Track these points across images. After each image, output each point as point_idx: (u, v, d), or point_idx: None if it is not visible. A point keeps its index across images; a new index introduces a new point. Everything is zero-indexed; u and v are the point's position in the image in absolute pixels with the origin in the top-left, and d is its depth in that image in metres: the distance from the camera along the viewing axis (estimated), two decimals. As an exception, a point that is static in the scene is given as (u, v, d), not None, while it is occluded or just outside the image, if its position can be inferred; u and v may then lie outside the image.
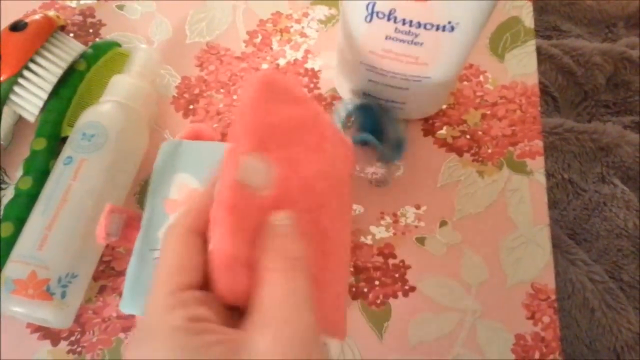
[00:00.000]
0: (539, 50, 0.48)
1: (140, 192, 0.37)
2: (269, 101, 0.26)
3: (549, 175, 0.38)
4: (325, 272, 0.26)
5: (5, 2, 0.44)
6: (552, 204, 0.38)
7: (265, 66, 0.42)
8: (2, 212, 0.34)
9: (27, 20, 0.37)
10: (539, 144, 0.39)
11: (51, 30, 0.37)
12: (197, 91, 0.41)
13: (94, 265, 0.33)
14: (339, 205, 0.28)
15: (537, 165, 0.38)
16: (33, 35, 0.36)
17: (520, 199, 0.37)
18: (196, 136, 0.35)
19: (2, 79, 0.36)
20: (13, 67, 0.36)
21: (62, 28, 0.39)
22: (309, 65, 0.42)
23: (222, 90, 0.41)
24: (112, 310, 0.33)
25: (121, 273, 0.34)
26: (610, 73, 0.71)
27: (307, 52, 0.43)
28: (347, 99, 0.36)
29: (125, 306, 0.27)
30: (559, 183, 0.61)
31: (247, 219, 0.21)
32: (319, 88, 0.41)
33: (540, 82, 0.46)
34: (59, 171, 0.32)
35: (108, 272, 0.34)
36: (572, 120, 0.66)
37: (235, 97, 0.41)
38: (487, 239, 0.36)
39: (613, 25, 0.78)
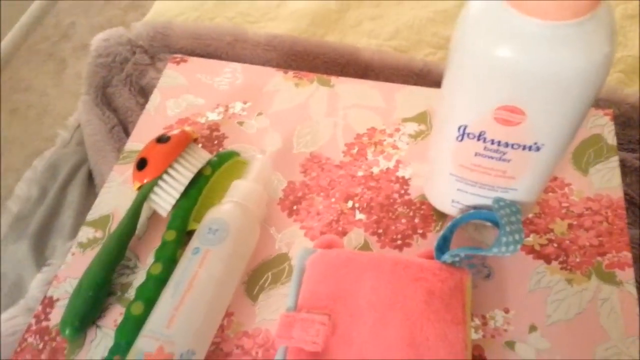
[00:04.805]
0: (623, 163, 0.50)
1: (248, 281, 0.41)
2: (321, 274, 0.38)
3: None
4: None
5: (147, 118, 0.53)
6: None
7: (360, 173, 0.47)
8: (134, 293, 0.40)
9: (170, 134, 0.45)
10: (627, 255, 0.40)
11: (187, 142, 0.45)
12: (300, 194, 0.46)
13: (208, 344, 0.37)
14: (421, 318, 0.35)
15: (627, 276, 0.39)
16: (174, 147, 0.44)
17: (611, 309, 0.38)
18: (329, 245, 0.40)
19: (146, 180, 0.44)
20: (156, 171, 0.44)
21: (195, 140, 0.47)
22: (399, 174, 0.47)
23: (322, 194, 0.46)
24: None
25: (228, 354, 0.38)
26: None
27: (398, 162, 0.48)
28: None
29: None
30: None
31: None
32: (409, 194, 0.45)
33: (626, 194, 0.48)
34: (187, 259, 0.38)
35: (217, 352, 0.38)
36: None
37: (333, 199, 0.46)
38: (579, 347, 0.36)
39: (702, 139, 0.78)
